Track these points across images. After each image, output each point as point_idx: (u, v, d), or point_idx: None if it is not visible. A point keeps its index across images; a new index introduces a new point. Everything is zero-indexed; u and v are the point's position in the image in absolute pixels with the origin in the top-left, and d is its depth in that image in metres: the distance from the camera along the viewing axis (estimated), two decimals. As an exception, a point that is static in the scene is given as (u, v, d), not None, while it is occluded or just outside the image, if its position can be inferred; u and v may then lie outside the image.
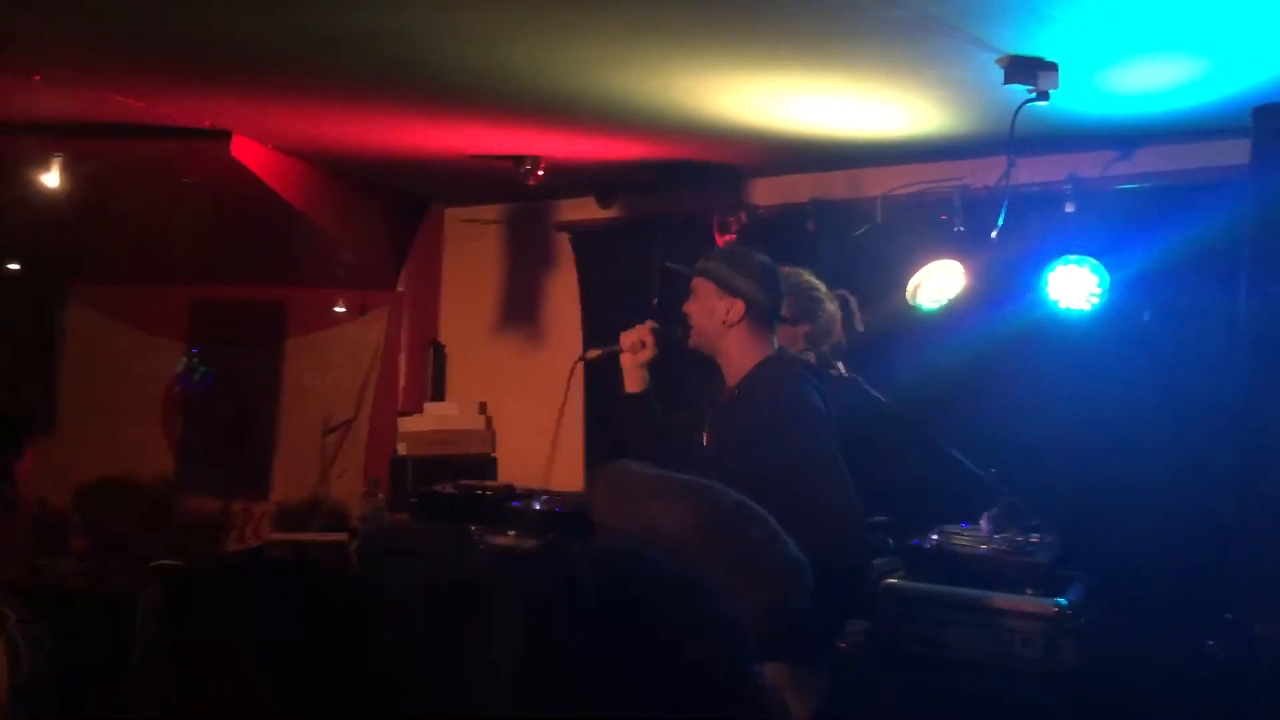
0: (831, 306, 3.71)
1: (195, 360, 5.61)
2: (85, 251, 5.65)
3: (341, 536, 4.39)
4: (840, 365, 3.64)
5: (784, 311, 3.12)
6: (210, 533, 5.41)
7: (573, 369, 3.55)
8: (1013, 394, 4.12)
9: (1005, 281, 3.93)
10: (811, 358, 3.43)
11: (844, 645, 3.15)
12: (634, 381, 3.17)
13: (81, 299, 5.89)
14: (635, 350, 3.15)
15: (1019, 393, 4.12)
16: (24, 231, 5.09)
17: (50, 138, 4.43)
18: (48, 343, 5.85)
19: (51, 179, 4.51)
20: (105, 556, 4.79)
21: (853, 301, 3.98)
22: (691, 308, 3.08)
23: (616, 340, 3.21)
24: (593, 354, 3.38)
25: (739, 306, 2.98)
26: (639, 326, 3.18)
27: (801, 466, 2.73)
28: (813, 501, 2.64)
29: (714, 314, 3.01)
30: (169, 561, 4.16)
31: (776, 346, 3.04)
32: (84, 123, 4.27)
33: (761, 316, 3.01)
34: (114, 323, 5.78)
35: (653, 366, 3.20)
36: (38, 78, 3.70)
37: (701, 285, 3.05)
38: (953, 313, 3.91)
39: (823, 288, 3.89)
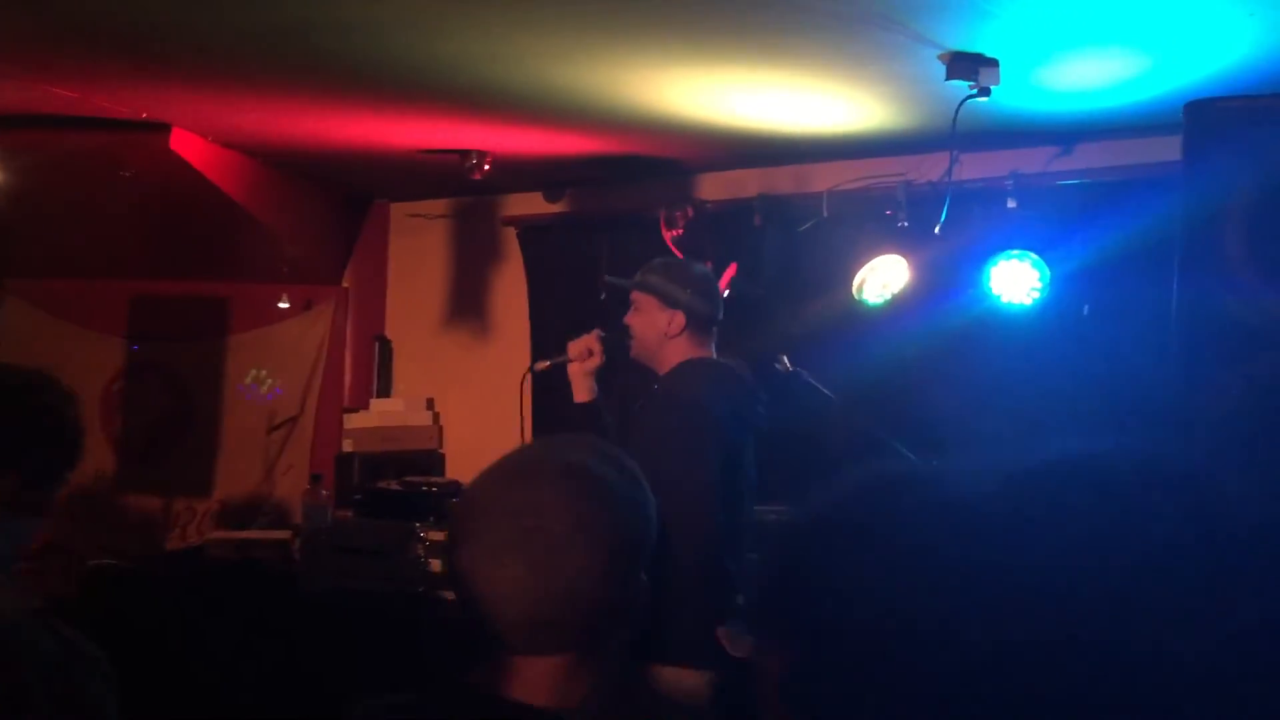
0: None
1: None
2: (20, 246, 5.53)
3: (285, 534, 4.33)
4: (785, 359, 3.65)
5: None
6: (151, 531, 5.32)
7: (523, 381, 3.52)
8: (956, 387, 4.16)
9: (948, 276, 3.96)
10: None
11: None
12: (582, 391, 3.21)
13: (16, 294, 5.76)
14: (583, 359, 3.19)
15: (962, 386, 4.15)
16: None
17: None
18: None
19: (-16, 172, 4.42)
20: (42, 556, 4.69)
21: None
22: (633, 320, 3.16)
23: (564, 349, 3.26)
24: (541, 365, 3.43)
25: (680, 318, 3.10)
26: (586, 336, 3.22)
27: (669, 459, 2.80)
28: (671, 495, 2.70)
29: (655, 326, 3.12)
30: (108, 561, 4.10)
31: (714, 353, 3.14)
32: (17, 114, 4.18)
33: (702, 326, 3.13)
34: (50, 318, 5.65)
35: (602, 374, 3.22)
36: (-34, 67, 3.62)
37: (643, 299, 3.15)
38: (897, 307, 3.94)
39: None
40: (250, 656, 3.59)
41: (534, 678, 1.39)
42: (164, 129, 4.32)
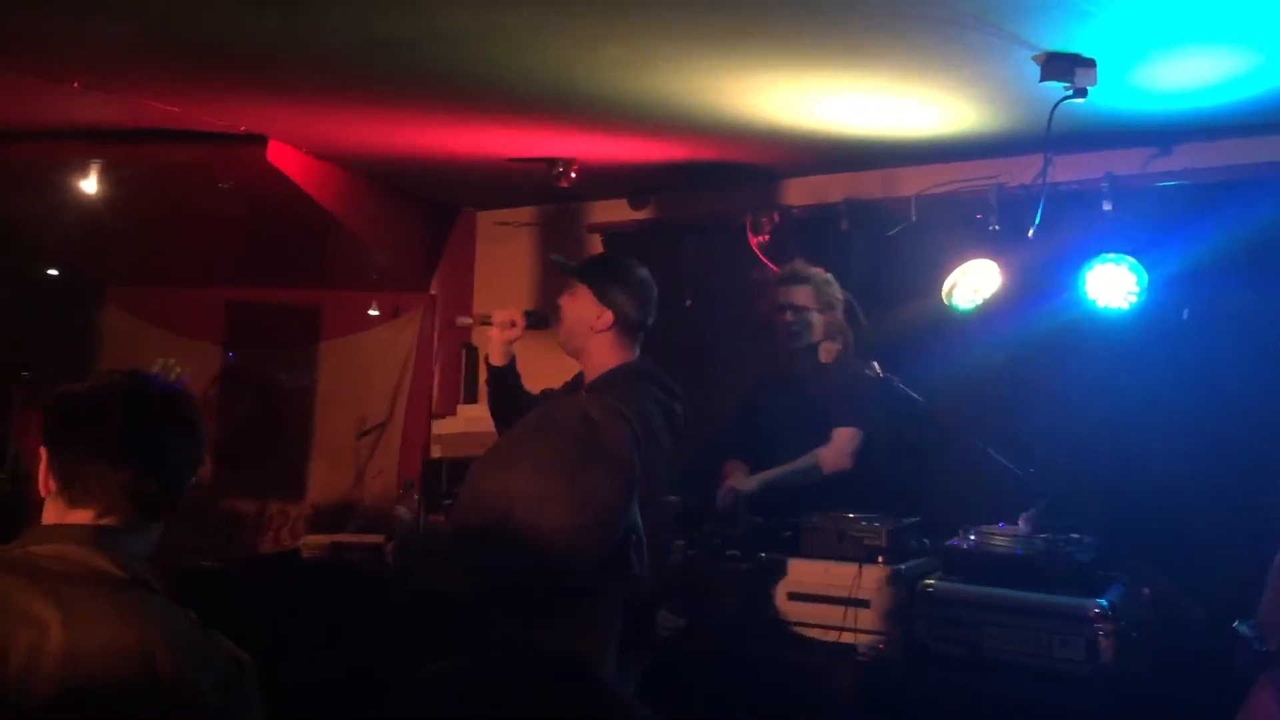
0: (842, 299, 3.99)
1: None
2: (122, 256, 5.70)
3: (377, 538, 4.40)
4: (875, 364, 3.63)
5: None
6: (245, 534, 5.44)
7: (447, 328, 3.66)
8: (1051, 393, 4.09)
9: (1042, 280, 3.89)
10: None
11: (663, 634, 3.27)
12: (499, 355, 3.38)
13: (118, 302, 5.94)
14: (505, 328, 3.35)
15: (1057, 391, 4.08)
16: (63, 237, 5.14)
17: (88, 143, 4.48)
18: (86, 347, 5.90)
19: (89, 185, 4.57)
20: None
21: (852, 299, 4.13)
22: (567, 304, 3.23)
23: (529, 318, 3.38)
24: (463, 321, 3.66)
25: (608, 316, 3.16)
26: (512, 309, 3.37)
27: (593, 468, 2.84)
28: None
29: (584, 318, 3.19)
30: (207, 563, 4.19)
31: (638, 355, 3.21)
32: (121, 128, 4.31)
33: (629, 328, 3.19)
34: (150, 326, 5.81)
35: None
36: (76, 84, 3.74)
37: (580, 288, 3.21)
38: (988, 312, 3.88)
39: (834, 280, 3.99)
40: (343, 657, 3.65)
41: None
42: (261, 141, 4.42)
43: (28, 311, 5.65)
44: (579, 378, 3.27)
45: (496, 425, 3.40)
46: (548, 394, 3.35)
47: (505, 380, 3.38)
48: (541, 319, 3.35)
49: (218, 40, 3.34)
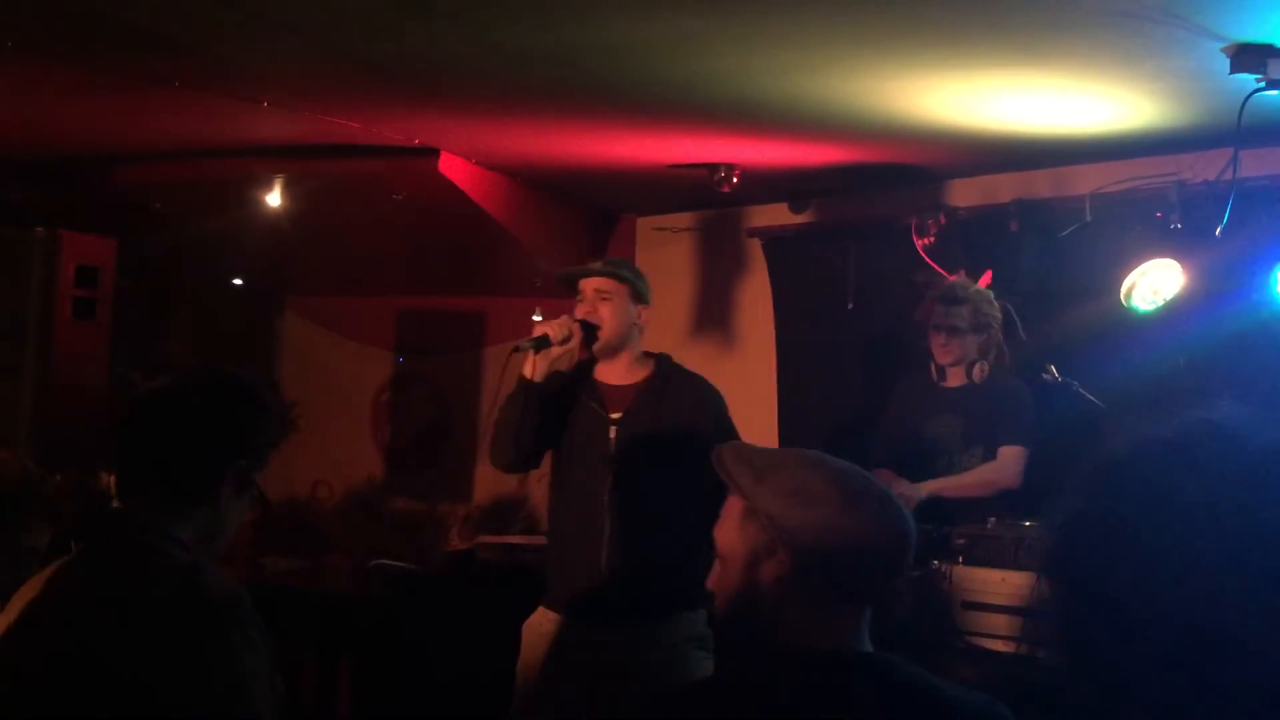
0: (999, 315, 3.96)
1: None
2: (300, 266, 5.96)
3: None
4: (1053, 369, 3.54)
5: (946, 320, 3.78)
6: (417, 534, 5.62)
7: (506, 361, 3.37)
8: (1237, 397, 3.90)
9: (1228, 281, 3.74)
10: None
11: None
12: (539, 370, 3.22)
13: (297, 311, 6.21)
14: (563, 343, 3.23)
15: (1244, 396, 3.89)
16: (247, 249, 5.41)
17: (272, 159, 4.70)
18: (266, 354, 6.20)
19: (273, 199, 4.79)
20: (323, 555, 5.03)
21: (1012, 310, 4.02)
22: (606, 309, 3.24)
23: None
24: (524, 346, 3.25)
25: (644, 311, 3.31)
26: (563, 318, 3.22)
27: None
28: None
29: (628, 318, 3.26)
30: (388, 561, 4.35)
31: None
32: (303, 144, 4.51)
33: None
34: (326, 333, 6.07)
35: None
36: (264, 103, 3.93)
37: (616, 289, 3.25)
38: (1171, 314, 3.74)
39: (992, 297, 3.91)
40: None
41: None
42: (433, 154, 4.57)
43: (215, 321, 5.96)
44: (592, 387, 3.29)
45: (504, 446, 3.26)
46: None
47: (537, 395, 3.23)
48: (592, 326, 3.24)
49: (393, 58, 3.47)
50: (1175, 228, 3.92)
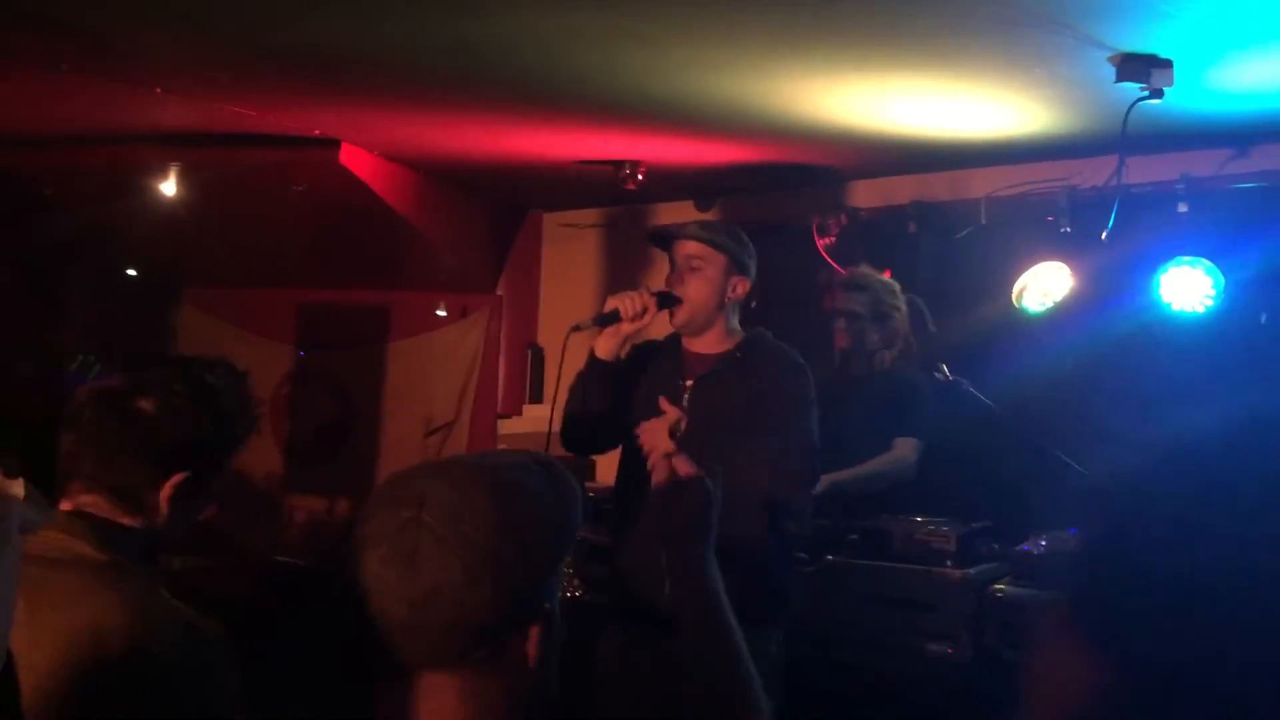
0: (903, 308, 3.90)
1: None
2: (197, 257, 5.83)
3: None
4: (944, 368, 3.60)
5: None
6: (317, 530, 5.54)
7: (566, 339, 2.93)
8: (1123, 397, 4.03)
9: (1115, 283, 3.85)
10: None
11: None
12: (611, 349, 2.88)
13: (193, 302, 6.07)
14: (636, 319, 2.84)
15: (1129, 396, 4.02)
16: (142, 239, 5.27)
17: (167, 148, 4.59)
18: (162, 346, 6.05)
19: (169, 188, 4.67)
20: (215, 554, 4.92)
21: (921, 304, 4.00)
22: (695, 281, 2.85)
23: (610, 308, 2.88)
24: (587, 324, 2.95)
25: (744, 285, 2.89)
26: (637, 293, 2.85)
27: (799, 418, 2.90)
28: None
29: (717, 291, 2.86)
30: (282, 559, 4.28)
31: None
32: (199, 133, 4.41)
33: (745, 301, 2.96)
34: (224, 325, 5.94)
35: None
36: (159, 90, 3.84)
37: (710, 258, 2.86)
38: (1060, 315, 3.84)
39: (897, 289, 3.94)
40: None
41: (432, 699, 1.22)
42: (334, 145, 4.50)
43: (107, 311, 5.80)
44: (667, 361, 2.96)
45: (575, 430, 3.00)
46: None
47: (611, 377, 2.91)
48: (673, 299, 2.88)
49: (294, 46, 3.41)
50: (1065, 231, 4.02)
